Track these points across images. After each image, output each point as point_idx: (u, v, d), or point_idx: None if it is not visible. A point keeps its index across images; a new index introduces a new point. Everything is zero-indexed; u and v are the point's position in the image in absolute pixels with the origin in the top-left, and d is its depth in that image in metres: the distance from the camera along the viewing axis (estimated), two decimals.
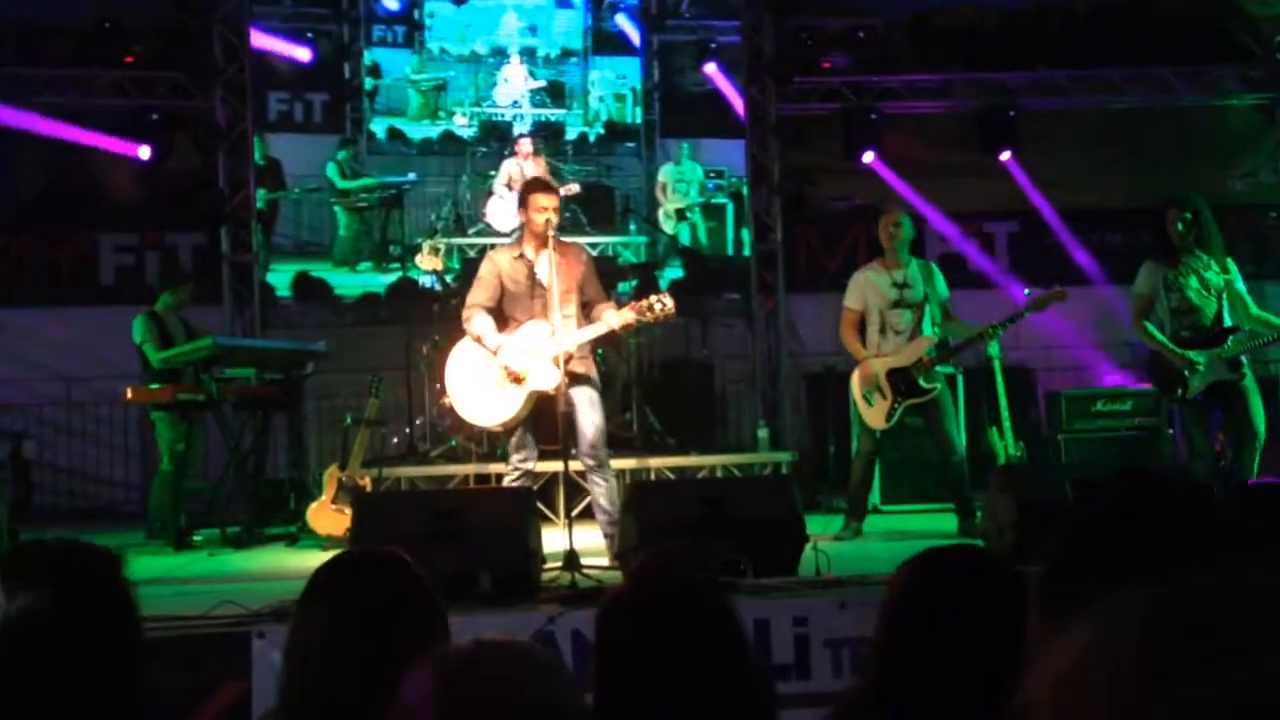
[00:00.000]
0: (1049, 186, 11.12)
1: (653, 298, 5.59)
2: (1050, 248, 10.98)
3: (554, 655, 1.29)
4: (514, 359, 5.62)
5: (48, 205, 9.72)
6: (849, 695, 1.82)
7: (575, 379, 5.63)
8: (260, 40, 9.27)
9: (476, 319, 5.69)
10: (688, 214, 10.56)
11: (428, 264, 9.64)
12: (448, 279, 9.27)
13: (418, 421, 8.42)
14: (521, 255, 5.74)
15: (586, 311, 5.74)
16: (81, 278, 9.94)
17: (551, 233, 5.59)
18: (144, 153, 8.91)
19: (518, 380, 5.62)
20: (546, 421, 5.73)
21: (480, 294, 5.75)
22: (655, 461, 7.91)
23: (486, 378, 5.66)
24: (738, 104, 9.90)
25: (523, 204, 5.79)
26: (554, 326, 5.55)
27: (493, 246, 9.62)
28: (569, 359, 5.55)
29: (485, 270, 5.83)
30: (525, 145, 9.71)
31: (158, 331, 7.52)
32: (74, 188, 9.73)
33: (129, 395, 7.48)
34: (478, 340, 5.70)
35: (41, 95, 9.29)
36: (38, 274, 9.83)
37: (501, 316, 5.74)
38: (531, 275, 5.68)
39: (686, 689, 1.88)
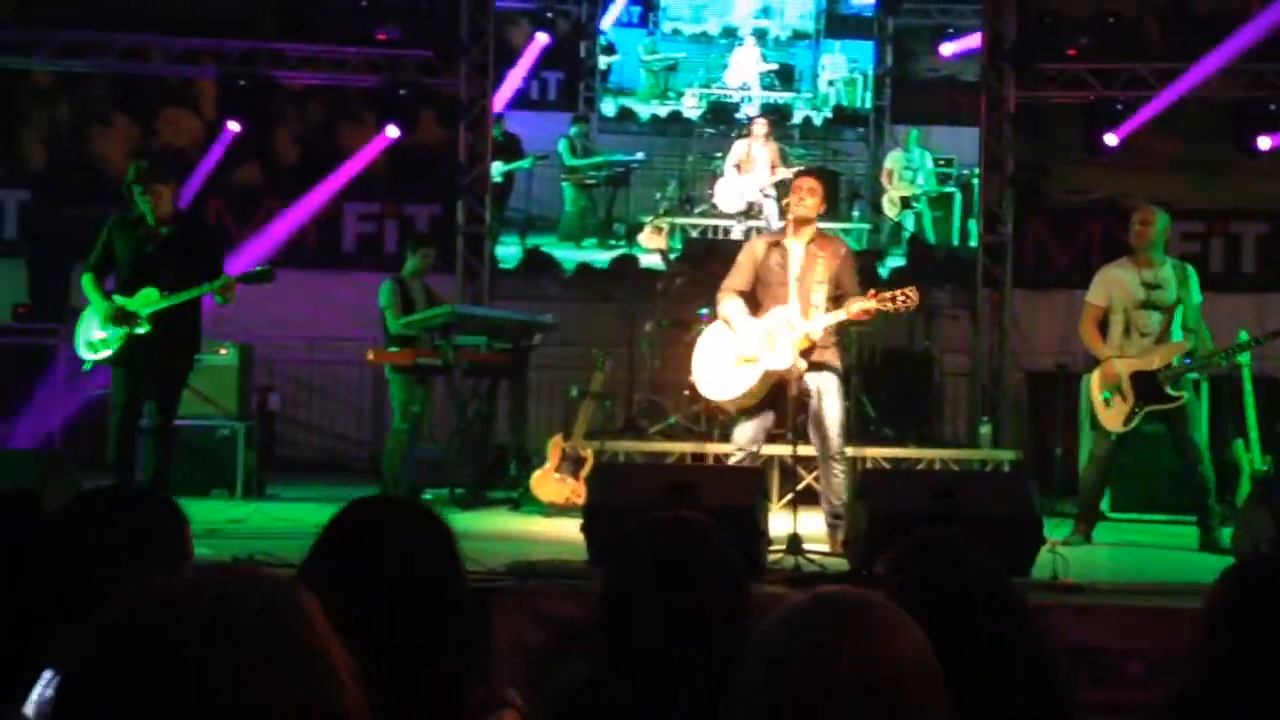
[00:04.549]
0: None
1: (898, 290, 5.55)
2: None
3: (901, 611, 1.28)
4: (749, 340, 5.71)
5: (301, 173, 10.30)
6: (1157, 711, 1.76)
7: (818, 366, 5.68)
8: None
9: (726, 301, 5.84)
10: (913, 202, 10.36)
11: (651, 243, 9.77)
12: (671, 258, 9.38)
13: (637, 398, 8.56)
14: (779, 242, 5.82)
15: (839, 304, 5.74)
16: (326, 243, 10.49)
17: (797, 216, 5.71)
18: (392, 131, 9.31)
19: (749, 361, 5.69)
20: (782, 408, 5.78)
21: (734, 278, 5.89)
22: (872, 451, 7.84)
23: (726, 356, 5.79)
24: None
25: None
26: (794, 312, 5.60)
27: (721, 229, 9.84)
28: (811, 346, 5.59)
29: (743, 255, 5.98)
30: (759, 127, 9.71)
31: (400, 299, 7.86)
32: (325, 158, 10.26)
33: (370, 357, 7.87)
34: (725, 321, 5.85)
35: (298, 71, 9.84)
36: (288, 238, 10.42)
37: (754, 301, 5.81)
38: (783, 261, 5.74)
39: (976, 673, 1.85)
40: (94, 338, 5.83)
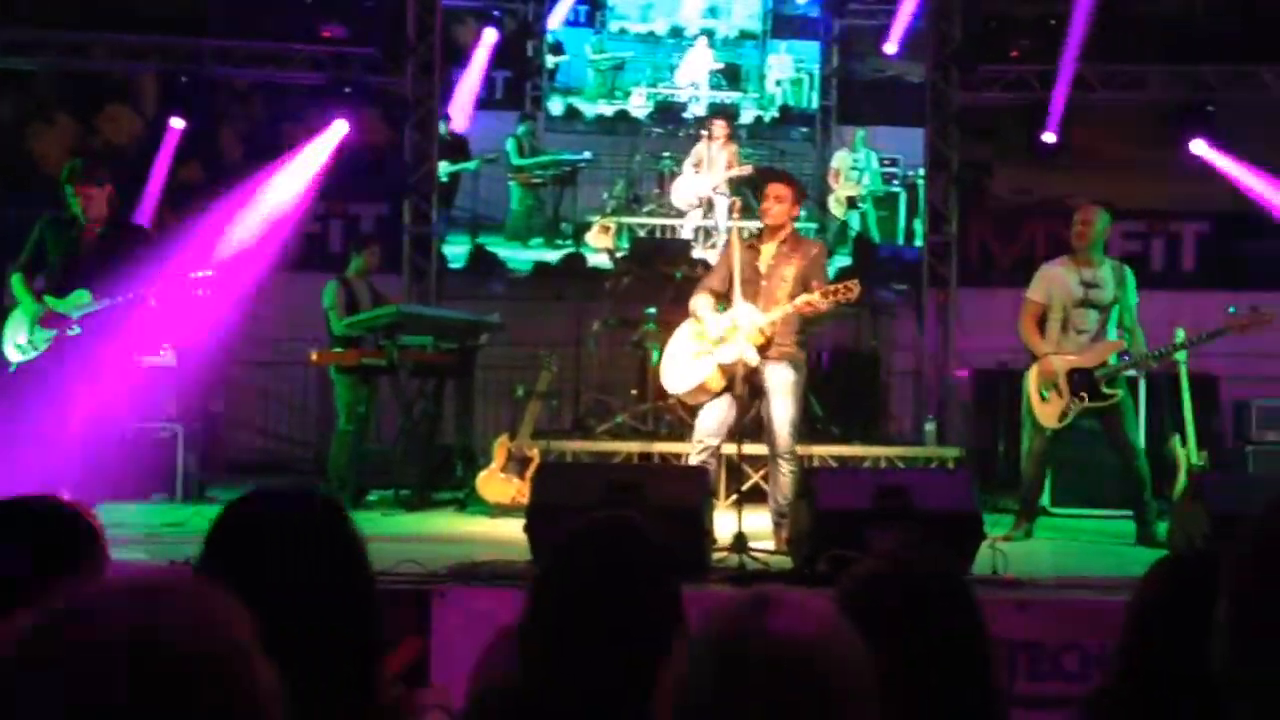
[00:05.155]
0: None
1: (839, 284, 5.61)
2: (1243, 251, 10.48)
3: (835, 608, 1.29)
4: (707, 334, 5.83)
5: (246, 173, 10.17)
6: (1087, 706, 1.78)
7: (772, 362, 5.74)
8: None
9: (697, 298, 5.97)
10: (859, 202, 10.43)
11: (598, 242, 9.77)
12: (618, 257, 9.38)
13: (584, 397, 8.55)
14: (754, 245, 5.93)
15: None
16: (270, 242, 10.34)
17: (770, 224, 5.86)
18: (342, 127, 9.21)
19: (704, 354, 5.81)
20: (743, 404, 5.87)
21: (708, 278, 6.10)
22: (819, 449, 7.88)
23: (687, 348, 5.92)
24: None
25: None
26: (750, 309, 5.70)
27: (669, 229, 9.84)
28: (768, 342, 5.66)
29: (721, 255, 6.26)
30: (718, 129, 9.76)
31: (344, 300, 7.80)
32: (269, 157, 10.14)
33: (314, 358, 7.79)
34: (693, 316, 5.98)
35: (242, 68, 9.74)
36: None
37: (730, 301, 5.90)
38: (754, 262, 5.84)
39: (922, 665, 1.86)
40: (19, 340, 5.72)
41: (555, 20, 10.13)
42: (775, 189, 5.89)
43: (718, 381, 5.76)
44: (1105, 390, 6.29)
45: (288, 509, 1.84)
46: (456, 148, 10.05)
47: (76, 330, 5.65)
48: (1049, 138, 9.41)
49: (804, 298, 5.61)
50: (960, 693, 1.81)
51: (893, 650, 1.78)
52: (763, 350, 5.69)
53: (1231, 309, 6.33)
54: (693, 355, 5.86)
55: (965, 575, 2.09)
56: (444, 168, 9.84)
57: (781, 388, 5.75)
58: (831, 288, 5.60)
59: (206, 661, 0.97)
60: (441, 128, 9.74)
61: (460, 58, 9.76)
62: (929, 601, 1.87)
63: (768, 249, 5.84)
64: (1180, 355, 6.69)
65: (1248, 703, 1.31)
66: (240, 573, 1.67)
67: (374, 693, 1.71)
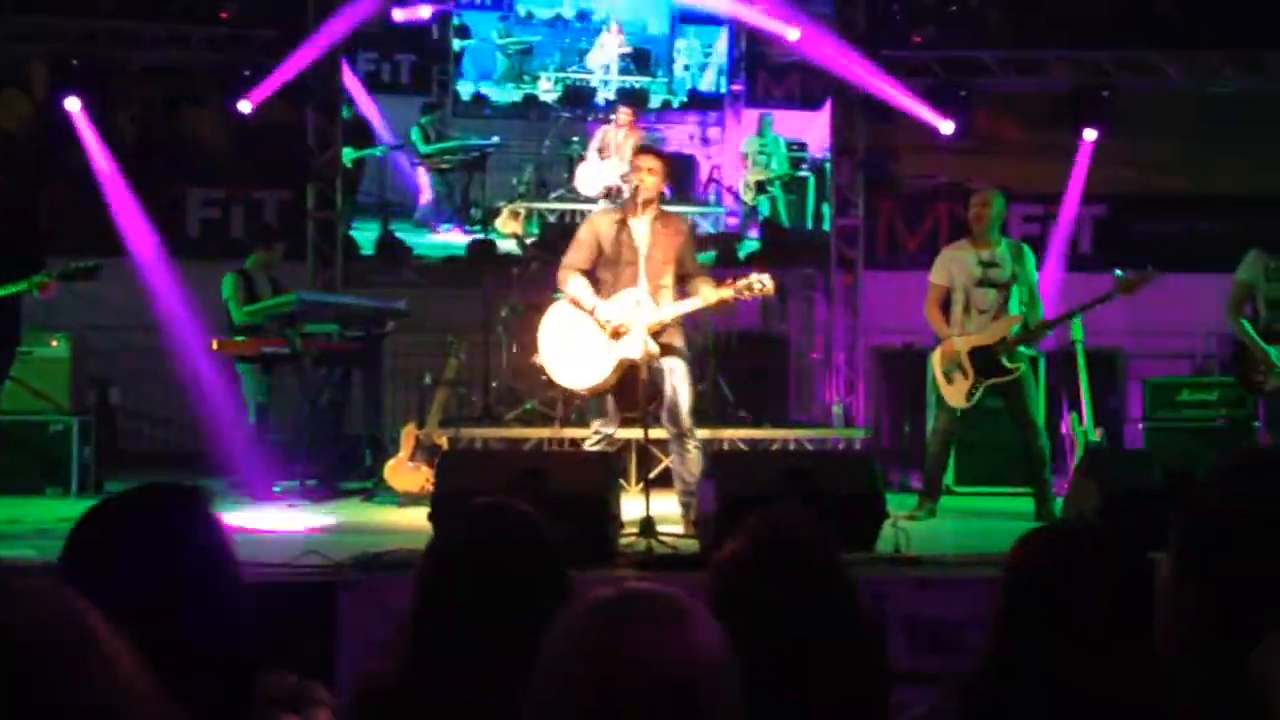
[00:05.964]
0: (1141, 171, 10.89)
1: (753, 277, 5.52)
2: (1140, 233, 10.78)
3: (700, 605, 1.28)
4: (607, 322, 5.65)
5: (141, 158, 9.88)
6: (964, 677, 1.79)
7: (667, 349, 5.66)
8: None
9: (572, 280, 5.71)
10: (768, 186, 10.48)
11: (508, 228, 9.69)
12: (527, 243, 9.31)
13: (494, 384, 8.48)
14: (623, 220, 5.72)
15: (683, 284, 5.73)
16: (169, 230, 10.08)
17: (643, 199, 5.65)
18: (245, 106, 8.97)
19: (602, 348, 5.63)
20: (632, 389, 5.74)
21: (576, 255, 5.75)
22: (728, 433, 7.93)
23: (579, 340, 5.69)
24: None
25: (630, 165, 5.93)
26: (645, 295, 5.57)
27: (578, 214, 9.77)
28: (661, 328, 5.58)
29: (584, 232, 5.82)
30: (622, 116, 9.68)
31: (244, 290, 7.64)
32: (166, 141, 9.88)
33: (215, 346, 7.61)
34: (574, 302, 5.72)
35: (139, 49, 9.45)
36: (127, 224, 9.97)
37: (595, 280, 5.75)
38: (629, 241, 5.66)
39: (799, 645, 1.87)
40: None
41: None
42: (648, 161, 5.69)
43: (617, 375, 5.68)
44: (1007, 364, 6.42)
45: (140, 506, 1.76)
46: (360, 131, 9.89)
47: None
48: (946, 128, 9.57)
49: (719, 294, 5.55)
50: (838, 668, 1.83)
51: (764, 629, 1.79)
52: (655, 336, 5.62)
53: (1118, 272, 6.47)
54: (588, 350, 5.63)
55: (845, 551, 2.09)
56: (349, 152, 9.67)
57: (680, 373, 5.72)
58: (746, 283, 5.53)
59: (52, 652, 0.94)
60: (345, 111, 9.57)
61: (362, 41, 9.57)
62: (797, 579, 1.88)
63: (640, 225, 5.67)
64: (1078, 333, 6.85)
65: (1196, 667, 1.32)
66: (96, 573, 1.62)
67: (248, 702, 1.66)
